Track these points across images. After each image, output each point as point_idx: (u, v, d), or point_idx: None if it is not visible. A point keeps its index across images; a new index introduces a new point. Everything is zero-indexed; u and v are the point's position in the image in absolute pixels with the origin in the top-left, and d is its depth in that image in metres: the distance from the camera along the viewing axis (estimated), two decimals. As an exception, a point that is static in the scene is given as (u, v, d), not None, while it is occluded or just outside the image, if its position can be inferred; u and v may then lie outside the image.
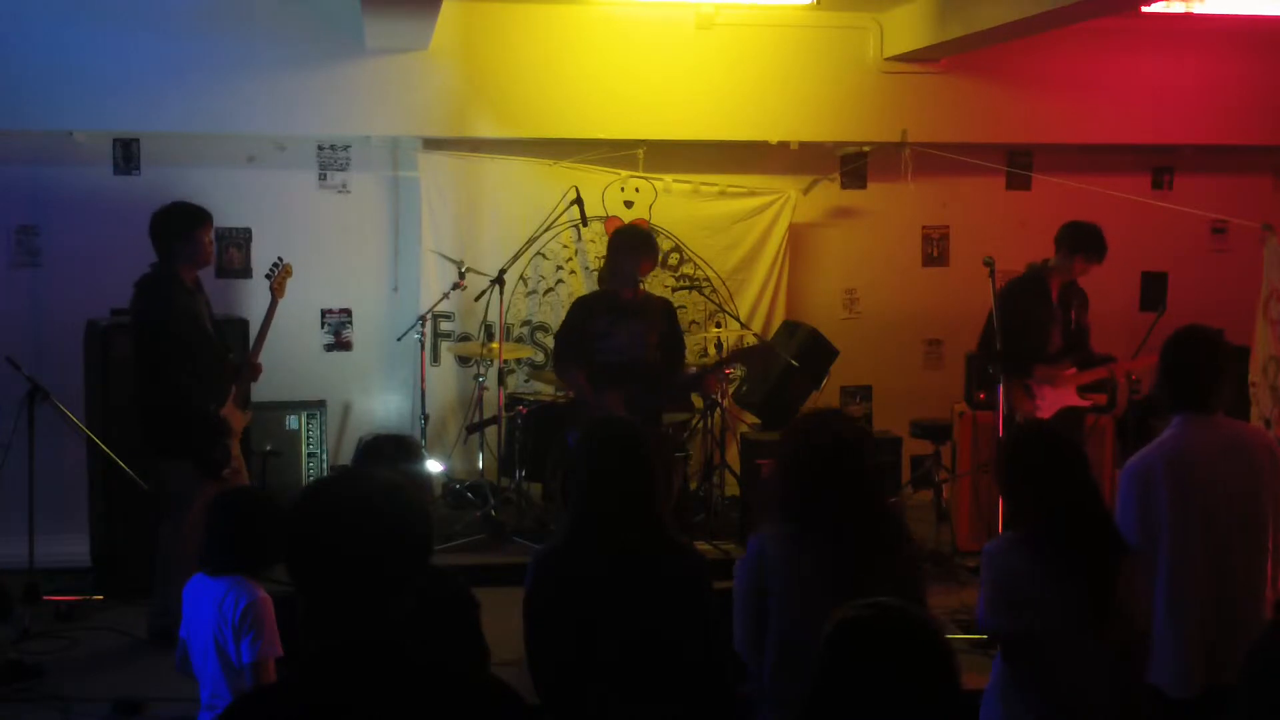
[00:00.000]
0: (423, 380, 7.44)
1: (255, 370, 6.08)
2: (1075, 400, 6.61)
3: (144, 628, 5.90)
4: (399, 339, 7.53)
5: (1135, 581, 3.47)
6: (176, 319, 5.72)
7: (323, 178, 7.91)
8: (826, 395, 8.04)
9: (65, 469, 6.86)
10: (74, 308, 7.09)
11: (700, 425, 7.29)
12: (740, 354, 7.27)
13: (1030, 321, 6.46)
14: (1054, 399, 6.49)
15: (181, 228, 5.79)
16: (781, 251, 8.16)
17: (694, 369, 7.16)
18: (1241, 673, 2.31)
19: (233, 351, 6.13)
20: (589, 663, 3.49)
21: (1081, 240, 6.61)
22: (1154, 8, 7.53)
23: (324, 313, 7.97)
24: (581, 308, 6.83)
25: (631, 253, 6.59)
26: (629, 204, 7.96)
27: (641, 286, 6.85)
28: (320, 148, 7.87)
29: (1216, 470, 3.91)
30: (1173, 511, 3.86)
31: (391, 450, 3.57)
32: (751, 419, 7.80)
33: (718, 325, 7.97)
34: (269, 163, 7.79)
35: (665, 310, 6.86)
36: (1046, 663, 3.36)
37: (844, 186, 8.48)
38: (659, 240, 7.94)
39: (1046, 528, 3.39)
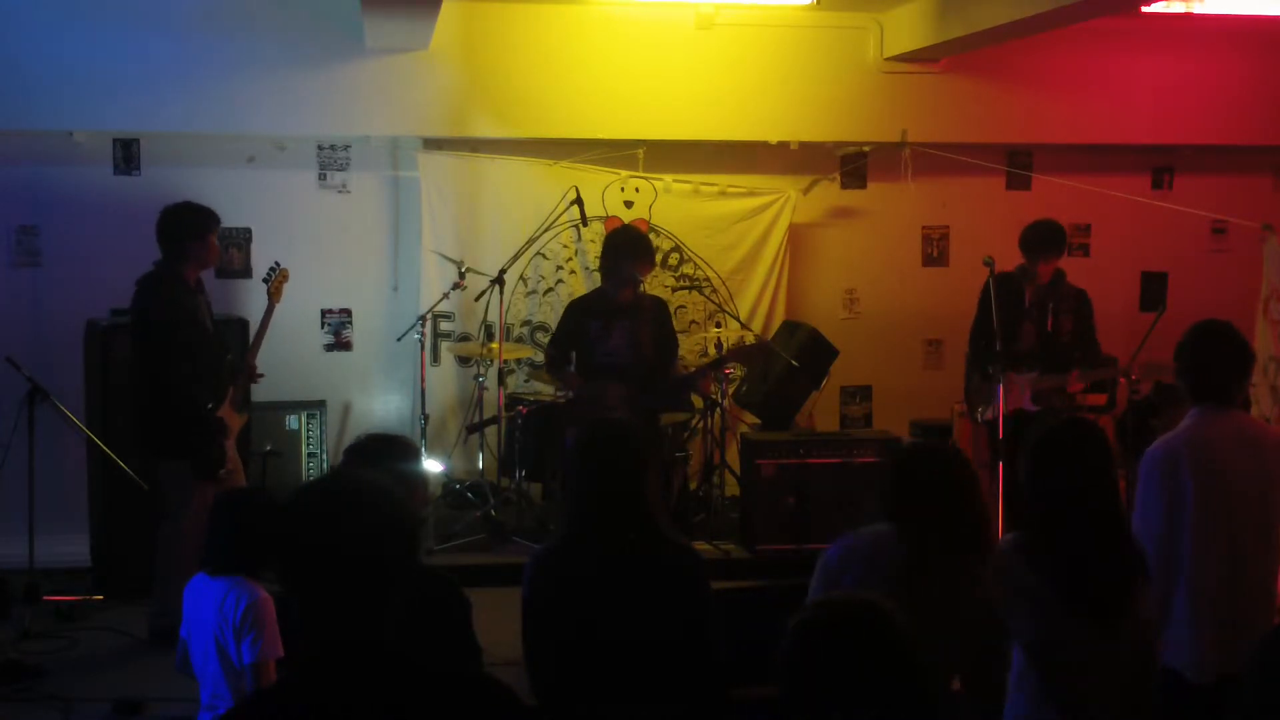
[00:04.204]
0: (423, 380, 7.43)
1: (252, 372, 6.08)
2: (1027, 405, 6.54)
3: (144, 628, 5.90)
4: (399, 339, 7.53)
5: (1144, 577, 3.48)
6: (178, 318, 5.73)
7: (323, 178, 7.91)
8: (826, 395, 8.06)
9: (65, 469, 6.86)
10: (74, 308, 7.10)
11: (700, 425, 7.29)
12: (738, 353, 7.26)
13: (987, 321, 6.41)
14: (1009, 401, 6.37)
15: (198, 229, 5.83)
16: (781, 251, 8.16)
17: (690, 369, 7.16)
18: (1246, 672, 2.31)
19: (231, 352, 6.14)
20: (587, 663, 3.50)
21: (1030, 242, 6.63)
22: (1154, 8, 7.53)
23: (324, 313, 7.97)
24: (573, 312, 6.85)
25: (627, 256, 6.59)
26: (629, 204, 7.96)
27: (642, 287, 6.85)
28: (320, 148, 7.87)
29: (1235, 461, 3.93)
30: (1197, 497, 3.88)
31: (382, 450, 3.54)
32: (751, 419, 7.80)
33: (718, 325, 7.97)
34: (269, 163, 7.79)
35: (657, 309, 6.86)
36: (1062, 662, 3.36)
37: (844, 186, 8.48)
38: (659, 240, 7.96)
39: (1052, 528, 3.39)
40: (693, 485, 7.36)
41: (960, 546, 3.45)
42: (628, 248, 6.68)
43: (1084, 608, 3.31)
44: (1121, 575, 3.35)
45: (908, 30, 7.70)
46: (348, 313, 8.02)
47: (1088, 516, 3.36)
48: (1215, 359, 4.01)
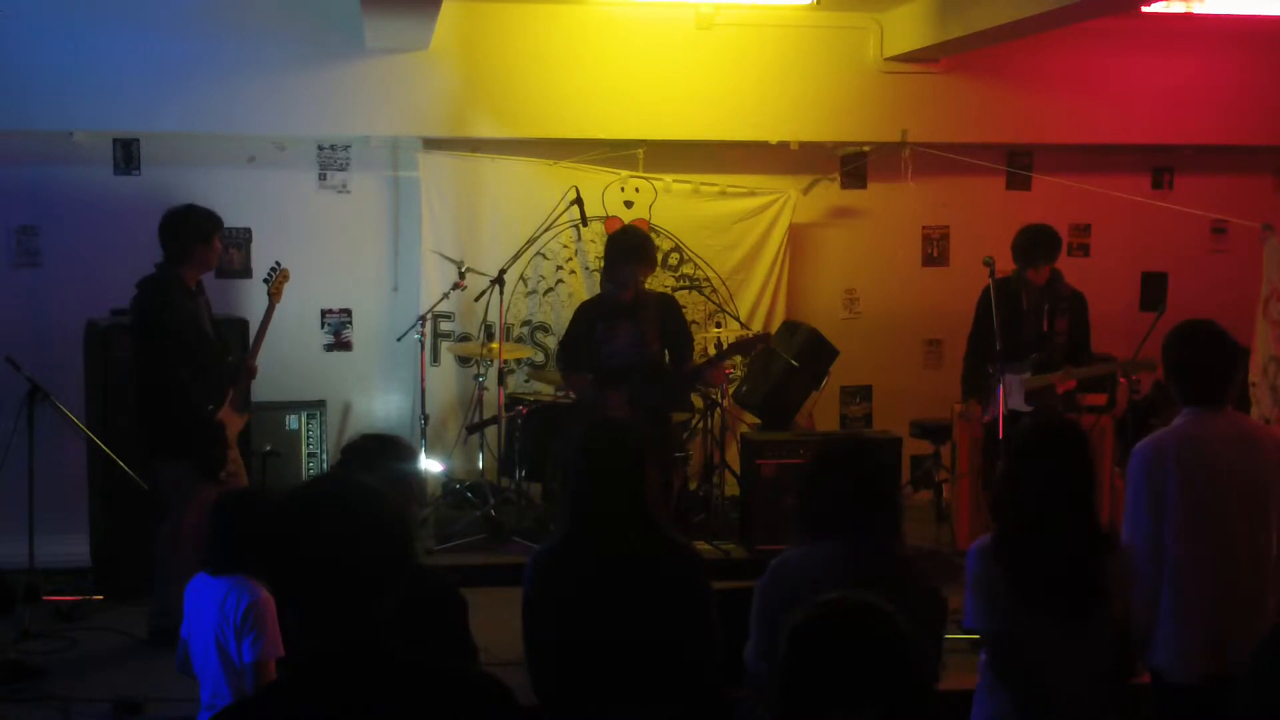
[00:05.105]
0: (423, 380, 7.44)
1: (252, 372, 6.08)
2: (1020, 405, 6.52)
3: (144, 628, 5.90)
4: (399, 339, 7.53)
5: (1123, 574, 3.48)
6: (177, 320, 5.73)
7: (323, 178, 7.91)
8: (826, 395, 8.06)
9: (65, 469, 6.86)
10: (74, 308, 7.09)
11: (700, 425, 7.29)
12: (739, 345, 7.24)
13: (987, 324, 6.42)
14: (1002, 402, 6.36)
15: (203, 232, 5.84)
16: (781, 251, 8.16)
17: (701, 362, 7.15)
18: (1244, 672, 2.31)
19: (232, 353, 6.14)
20: (587, 663, 3.50)
21: (1022, 247, 6.61)
22: (1154, 8, 7.53)
23: (324, 313, 7.97)
24: (582, 314, 6.82)
25: (624, 258, 6.57)
26: (629, 204, 7.96)
27: (643, 285, 6.84)
28: (320, 148, 7.87)
29: (1227, 460, 3.91)
30: (1182, 495, 3.87)
31: (377, 450, 3.54)
32: (751, 419, 7.80)
33: (718, 325, 7.97)
34: (269, 163, 7.79)
35: (665, 306, 6.83)
36: (1028, 661, 3.37)
37: (844, 186, 8.48)
38: (659, 240, 7.96)
39: (1023, 527, 3.40)
40: (693, 485, 7.36)
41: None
42: (626, 249, 6.65)
43: (1045, 606, 3.32)
44: (1087, 575, 3.35)
45: (908, 30, 7.70)
46: (348, 313, 8.02)
47: (1059, 517, 3.37)
48: (1202, 359, 3.99)
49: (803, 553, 3.42)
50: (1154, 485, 3.88)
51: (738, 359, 7.47)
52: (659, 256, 7.92)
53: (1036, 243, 6.64)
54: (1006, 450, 3.60)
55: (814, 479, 3.53)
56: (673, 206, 8.00)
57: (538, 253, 7.85)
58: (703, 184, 8.06)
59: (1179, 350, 4.02)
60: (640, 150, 8.00)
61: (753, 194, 8.12)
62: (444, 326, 7.91)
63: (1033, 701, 3.38)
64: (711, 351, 7.68)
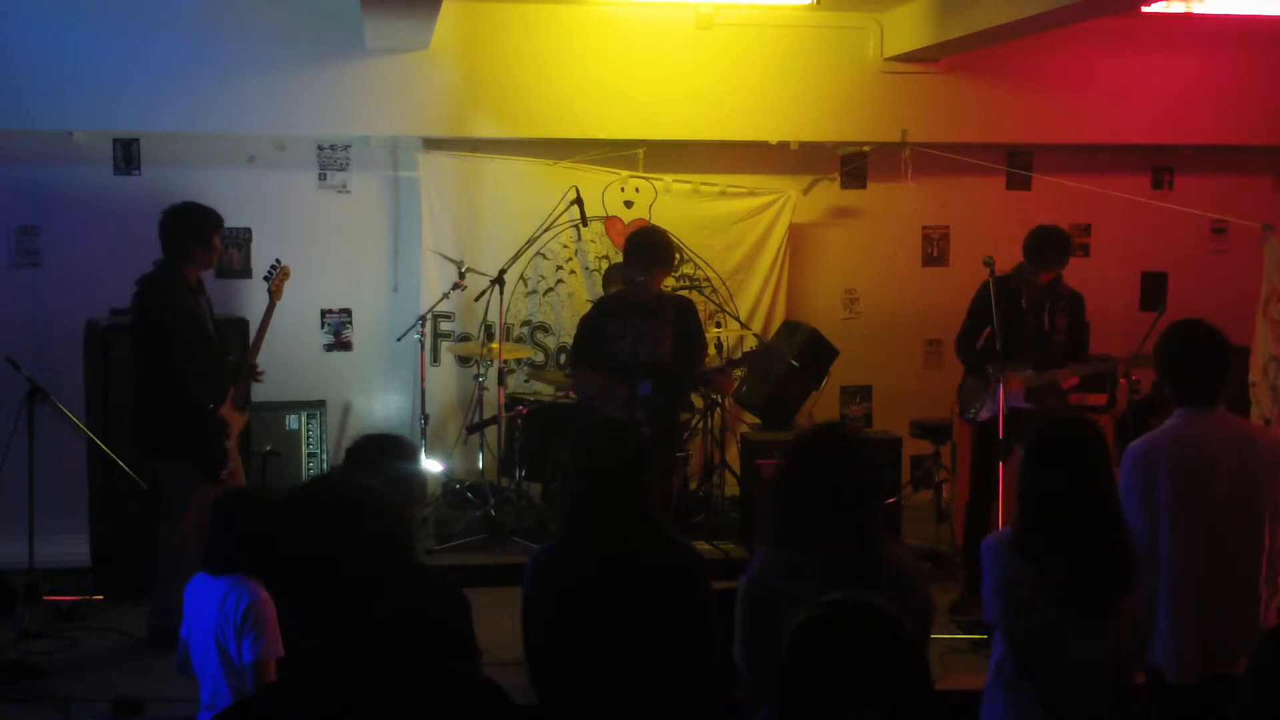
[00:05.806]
0: (423, 380, 7.44)
1: (253, 371, 6.08)
2: (1020, 403, 6.49)
3: (144, 628, 5.90)
4: (399, 339, 7.53)
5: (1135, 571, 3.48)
6: (178, 318, 5.73)
7: (323, 178, 7.91)
8: (826, 395, 8.06)
9: (65, 469, 6.86)
10: (74, 308, 7.09)
11: (700, 425, 7.29)
12: (751, 356, 7.22)
13: (982, 322, 6.39)
14: (1001, 400, 6.33)
15: (202, 231, 5.83)
16: (781, 251, 8.16)
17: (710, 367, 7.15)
18: (1244, 671, 2.31)
19: (232, 352, 6.14)
20: (587, 663, 3.50)
21: (1037, 249, 6.57)
22: (1154, 8, 7.53)
23: (324, 313, 7.97)
24: (595, 312, 6.79)
25: (636, 259, 6.51)
26: (629, 204, 7.96)
27: (654, 286, 6.83)
28: (320, 148, 7.87)
29: (1218, 461, 3.92)
30: (1172, 497, 3.88)
31: (378, 450, 3.54)
32: (751, 419, 7.80)
33: (718, 325, 7.97)
34: (269, 163, 7.79)
35: (681, 309, 6.77)
36: (1048, 657, 3.36)
37: (844, 186, 8.48)
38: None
39: (1050, 525, 3.39)
40: (693, 485, 7.36)
41: None
42: (637, 250, 6.60)
43: (1077, 605, 3.31)
44: (1115, 574, 3.35)
45: (908, 30, 7.70)
46: (348, 313, 8.02)
47: (1085, 515, 3.36)
48: (1195, 359, 4.00)
49: (780, 562, 3.35)
50: (1146, 486, 3.90)
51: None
52: (673, 263, 7.87)
53: (1045, 244, 6.59)
54: (1023, 450, 3.56)
55: (784, 477, 3.41)
56: (673, 206, 7.99)
57: (538, 253, 7.85)
58: (703, 184, 8.06)
59: (1172, 350, 4.04)
60: (640, 150, 8.00)
61: (753, 194, 8.12)
62: (444, 326, 7.91)
63: (1055, 698, 3.36)
64: (712, 352, 7.67)
